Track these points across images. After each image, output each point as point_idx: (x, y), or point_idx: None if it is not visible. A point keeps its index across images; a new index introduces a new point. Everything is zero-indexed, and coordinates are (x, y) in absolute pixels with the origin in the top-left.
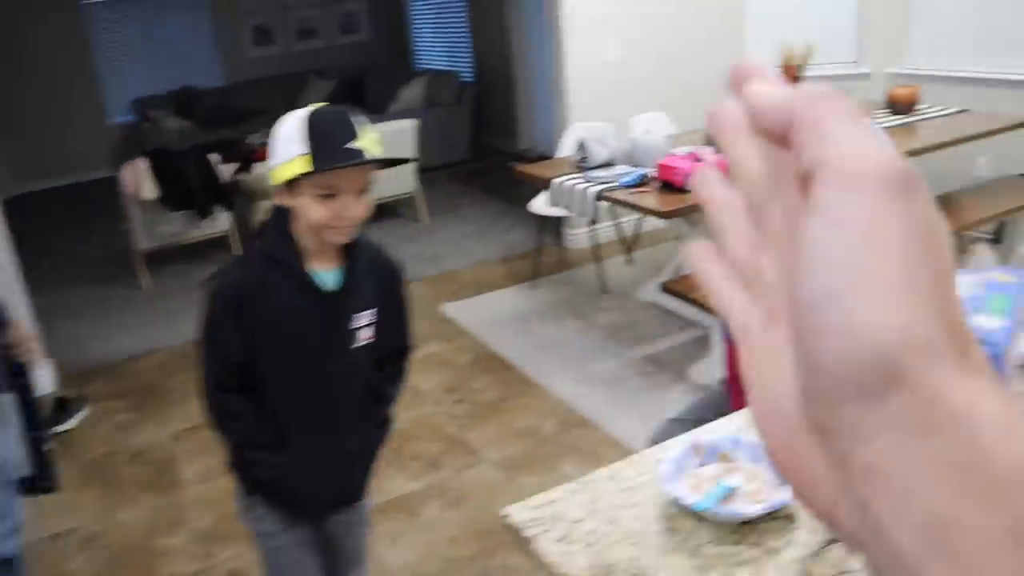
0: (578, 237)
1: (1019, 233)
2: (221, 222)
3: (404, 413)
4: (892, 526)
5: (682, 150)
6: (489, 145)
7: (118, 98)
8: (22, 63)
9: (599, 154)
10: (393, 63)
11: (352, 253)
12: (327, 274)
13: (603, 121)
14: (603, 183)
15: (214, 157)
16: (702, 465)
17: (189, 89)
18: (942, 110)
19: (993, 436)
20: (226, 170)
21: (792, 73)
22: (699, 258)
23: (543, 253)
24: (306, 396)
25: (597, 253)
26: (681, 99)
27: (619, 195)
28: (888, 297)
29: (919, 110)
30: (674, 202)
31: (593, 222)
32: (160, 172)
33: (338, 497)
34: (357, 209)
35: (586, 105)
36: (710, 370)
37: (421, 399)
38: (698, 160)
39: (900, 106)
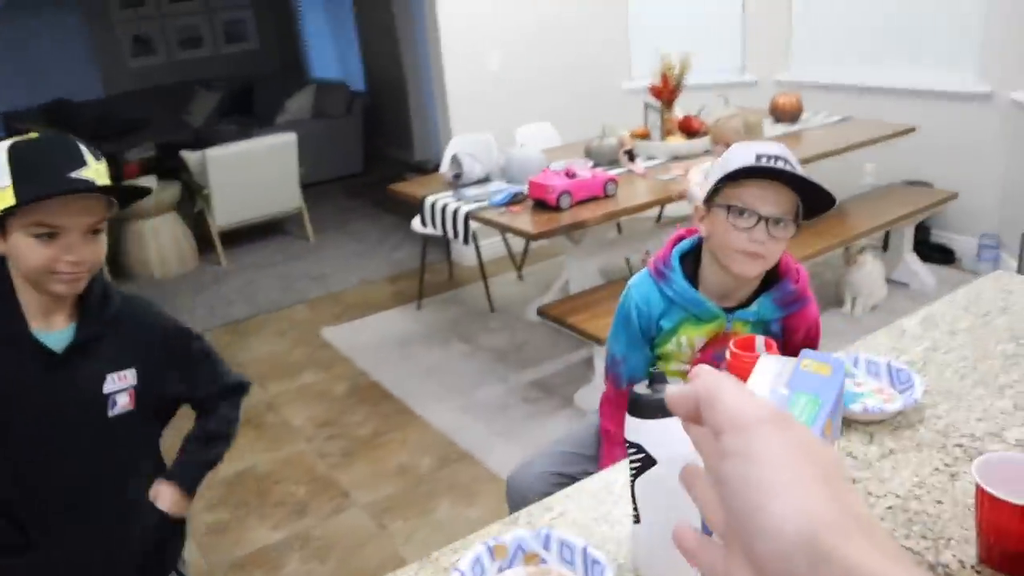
0: (467, 253)
1: (904, 240)
2: None
3: (270, 453)
4: None
5: (557, 165)
6: (385, 156)
7: None
8: None
9: (473, 170)
10: (284, 73)
11: (87, 304)
12: (60, 333)
13: (486, 133)
14: (475, 202)
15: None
16: (502, 571)
17: (64, 102)
18: (826, 117)
19: None
20: None
21: (668, 84)
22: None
23: (429, 272)
24: (47, 482)
25: (483, 271)
26: (567, 108)
27: (489, 215)
28: (791, 495)
29: (802, 118)
30: (546, 222)
31: (466, 243)
32: None
33: None
34: (85, 251)
35: (469, 116)
36: (592, 398)
37: (291, 436)
38: (571, 176)
39: (783, 114)
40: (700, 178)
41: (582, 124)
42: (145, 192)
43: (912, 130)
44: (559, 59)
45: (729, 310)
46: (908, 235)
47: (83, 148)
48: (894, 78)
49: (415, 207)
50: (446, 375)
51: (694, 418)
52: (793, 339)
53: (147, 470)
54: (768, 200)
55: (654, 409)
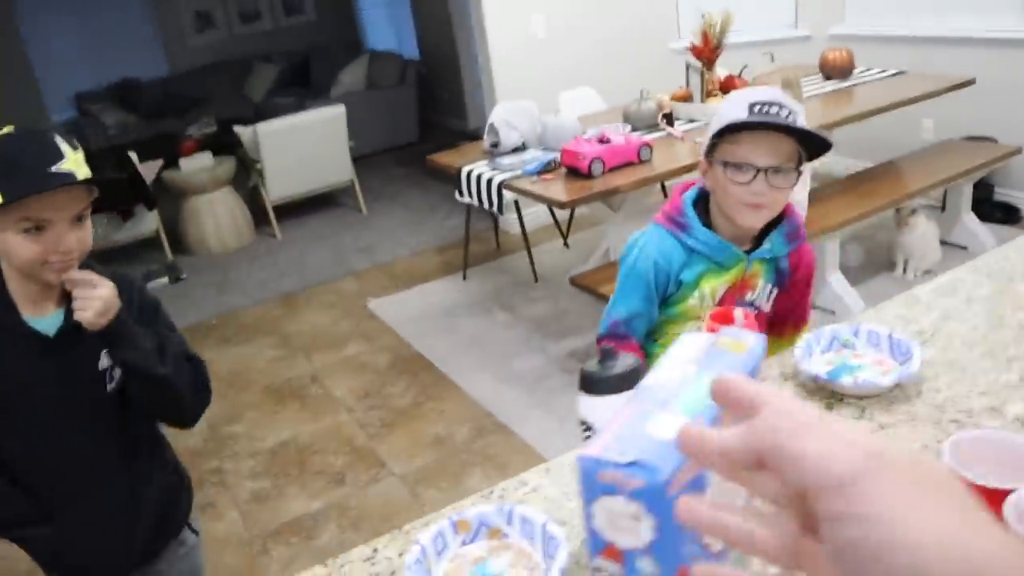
0: (514, 222)
1: (962, 200)
2: (148, 223)
3: (312, 424)
4: None
5: (593, 131)
6: (440, 125)
7: (58, 93)
8: None
9: (510, 138)
10: (341, 44)
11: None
12: (51, 318)
13: (528, 100)
14: (510, 171)
15: (134, 155)
16: (464, 545)
17: (131, 81)
18: (880, 73)
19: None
20: (149, 168)
21: (709, 43)
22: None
23: (476, 241)
24: (61, 460)
25: (527, 240)
26: (613, 72)
27: (523, 184)
28: (931, 547)
29: (855, 74)
30: (578, 190)
31: (500, 212)
32: None
33: (135, 557)
34: (72, 240)
35: (513, 83)
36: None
37: (333, 407)
38: (604, 142)
39: (834, 70)
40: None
41: (628, 87)
42: (141, 188)
43: (971, 82)
44: (604, 21)
45: (746, 252)
46: (966, 194)
47: (58, 140)
48: (954, 27)
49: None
50: (487, 345)
51: (754, 464)
52: (796, 275)
53: (150, 435)
54: (764, 151)
55: (605, 386)
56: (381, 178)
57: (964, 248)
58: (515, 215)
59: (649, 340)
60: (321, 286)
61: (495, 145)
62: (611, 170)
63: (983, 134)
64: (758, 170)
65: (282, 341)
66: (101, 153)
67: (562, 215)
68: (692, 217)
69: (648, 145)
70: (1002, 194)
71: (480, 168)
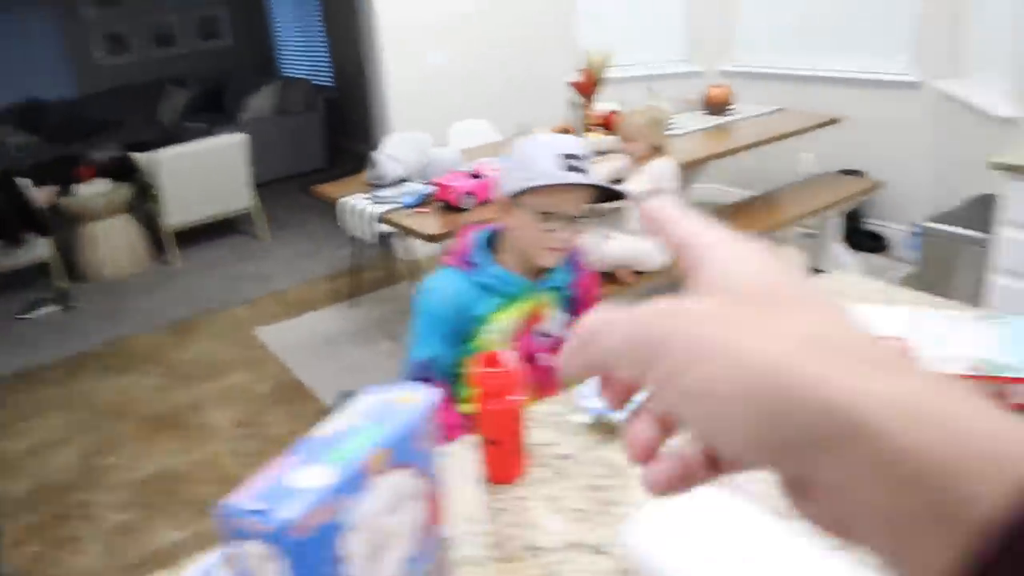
0: (408, 248)
1: (830, 230)
2: (40, 249)
3: (187, 455)
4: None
5: (470, 165)
6: (351, 151)
7: None
8: None
9: (393, 170)
10: (255, 70)
11: None
12: None
13: (425, 131)
14: (388, 203)
15: (23, 181)
16: None
17: (36, 102)
18: (757, 108)
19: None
20: (41, 194)
21: (591, 79)
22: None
23: (371, 269)
24: None
25: (413, 270)
26: (511, 104)
27: (398, 217)
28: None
29: (733, 110)
30: (449, 223)
31: (381, 245)
32: None
33: None
34: None
35: (409, 114)
36: None
37: (209, 437)
38: (477, 176)
39: (715, 106)
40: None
41: (526, 117)
42: (30, 215)
43: (835, 121)
44: (502, 54)
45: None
46: (835, 225)
47: None
48: (834, 67)
49: None
50: (368, 373)
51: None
52: (585, 299)
53: None
54: (574, 202)
55: None
56: (286, 205)
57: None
58: (404, 243)
59: (457, 381)
60: (213, 314)
61: (377, 177)
62: (484, 203)
63: (855, 168)
64: (567, 219)
65: (167, 370)
66: None
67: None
68: (483, 255)
69: None
70: (871, 224)
71: (358, 200)
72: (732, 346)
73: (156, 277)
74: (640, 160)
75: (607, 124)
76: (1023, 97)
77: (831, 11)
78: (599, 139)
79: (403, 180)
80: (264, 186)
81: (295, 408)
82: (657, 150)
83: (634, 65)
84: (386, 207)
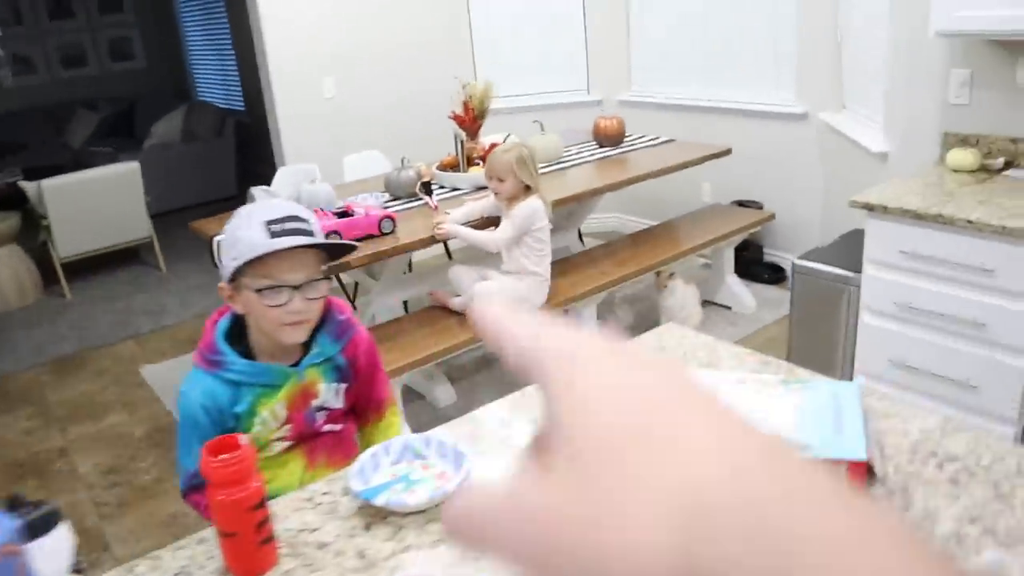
0: None
1: (724, 262)
2: None
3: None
4: None
5: (342, 202)
6: (265, 178)
7: None
8: None
9: None
10: (168, 93)
11: None
12: None
13: (314, 162)
14: None
15: None
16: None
17: None
18: (651, 140)
19: None
20: None
21: (470, 112)
22: None
23: None
24: None
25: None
26: (405, 136)
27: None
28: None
29: (626, 140)
30: None
31: None
32: None
33: None
34: None
35: (302, 144)
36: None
37: (72, 484)
38: (346, 214)
39: (605, 138)
40: (460, 215)
41: (418, 151)
42: None
43: (728, 152)
44: (396, 84)
45: (295, 364)
46: (728, 256)
47: None
48: (727, 98)
49: None
50: None
51: None
52: (357, 366)
53: None
54: (295, 268)
55: (38, 529)
56: (190, 236)
57: (728, 308)
58: None
59: None
60: (98, 350)
61: None
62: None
63: (752, 198)
64: (293, 289)
65: (40, 411)
66: None
67: (347, 280)
68: (225, 352)
69: (390, 218)
70: (770, 255)
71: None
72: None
73: (44, 310)
74: (510, 200)
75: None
76: (892, 133)
77: (723, 43)
78: (479, 173)
79: None
80: (170, 214)
81: (169, 453)
82: (527, 189)
83: (529, 95)
84: None
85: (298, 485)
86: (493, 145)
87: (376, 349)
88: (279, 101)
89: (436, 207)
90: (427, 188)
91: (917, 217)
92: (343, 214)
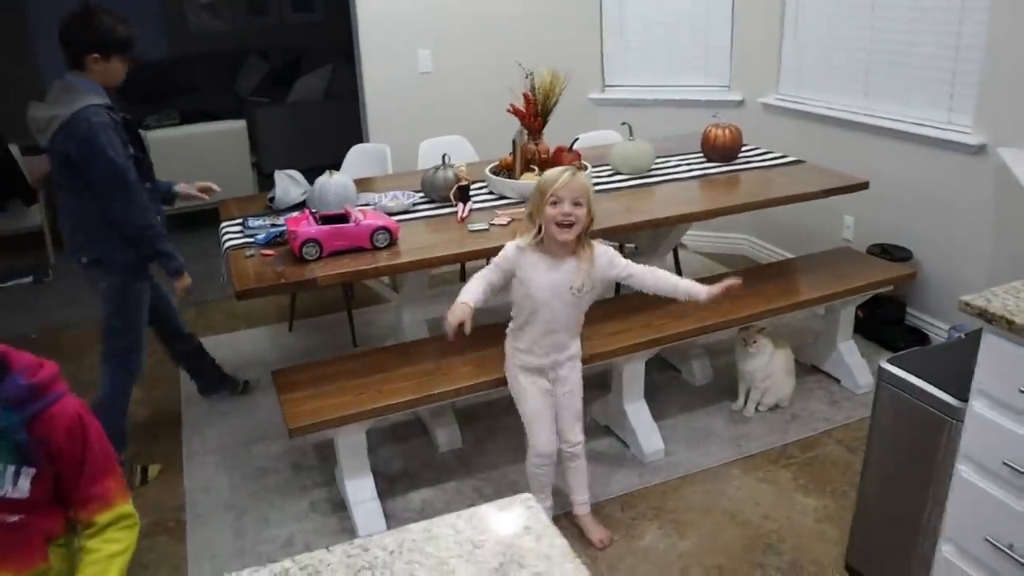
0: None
1: (840, 324)
2: (30, 217)
3: None
4: None
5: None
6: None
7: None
8: None
9: (288, 193)
10: (336, 48)
11: None
12: None
13: (399, 143)
14: (248, 237)
15: (15, 149)
16: None
17: None
18: (773, 159)
19: None
20: (35, 163)
21: (531, 107)
22: None
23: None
24: None
25: (350, 298)
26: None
27: (234, 257)
28: None
29: (744, 155)
30: (268, 276)
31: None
32: None
33: None
34: None
35: (389, 121)
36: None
37: None
38: (338, 219)
39: (714, 150)
40: (477, 294)
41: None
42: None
43: (863, 186)
44: (512, 61)
45: None
46: (847, 316)
47: None
48: (889, 113)
49: None
50: (242, 418)
51: None
52: (51, 448)
53: None
54: None
55: None
56: None
57: (837, 381)
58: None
59: None
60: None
61: (272, 199)
62: (335, 254)
63: (900, 243)
64: None
65: (71, 375)
66: None
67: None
68: None
69: (387, 229)
70: (914, 317)
71: (231, 227)
72: None
73: None
74: (576, 240)
75: (553, 164)
76: None
77: (892, 47)
78: (530, 182)
79: (302, 205)
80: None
81: (155, 446)
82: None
83: (660, 87)
84: (239, 241)
85: None
86: (559, 150)
87: (91, 427)
88: (367, 70)
89: (463, 218)
90: (462, 193)
91: None
92: (337, 218)
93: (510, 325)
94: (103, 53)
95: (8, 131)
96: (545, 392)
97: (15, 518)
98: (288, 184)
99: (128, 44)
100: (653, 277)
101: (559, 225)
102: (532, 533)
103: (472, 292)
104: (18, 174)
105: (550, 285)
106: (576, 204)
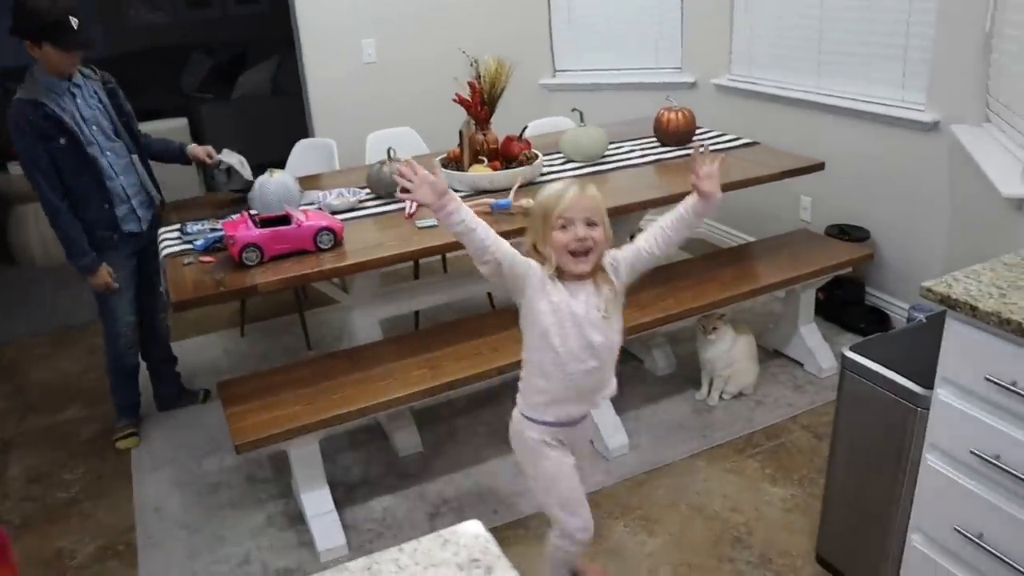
0: None
1: (800, 308)
2: None
3: None
4: None
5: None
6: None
7: None
8: None
9: (223, 184)
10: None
11: None
12: None
13: (337, 136)
14: (186, 243)
15: None
16: None
17: None
18: (727, 141)
19: None
20: None
21: (477, 96)
22: None
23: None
24: None
25: (301, 300)
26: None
27: (171, 265)
28: None
29: (697, 138)
30: (204, 286)
31: (166, 297)
32: None
33: None
34: None
35: (334, 114)
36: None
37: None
38: (277, 221)
39: (668, 135)
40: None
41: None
42: None
43: (818, 167)
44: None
45: None
46: (807, 300)
47: None
48: (843, 92)
49: None
50: (193, 434)
51: None
52: None
53: None
54: None
55: None
56: None
57: (800, 364)
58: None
59: None
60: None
61: (215, 190)
62: (279, 257)
63: (858, 223)
64: None
65: (14, 390)
66: None
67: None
68: None
69: (330, 230)
70: (874, 297)
71: (168, 234)
72: None
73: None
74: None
75: (504, 154)
76: None
77: (846, 24)
78: (481, 174)
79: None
80: None
81: (104, 466)
82: None
83: (612, 70)
84: (177, 248)
85: None
86: (509, 139)
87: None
88: (309, 62)
89: (411, 214)
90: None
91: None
92: (278, 220)
93: (522, 381)
94: (32, 40)
95: None
96: (573, 464)
97: None
98: (237, 165)
99: (57, 30)
100: (661, 232)
101: (574, 254)
102: (481, 567)
103: (471, 214)
104: None
105: (573, 318)
106: (591, 224)
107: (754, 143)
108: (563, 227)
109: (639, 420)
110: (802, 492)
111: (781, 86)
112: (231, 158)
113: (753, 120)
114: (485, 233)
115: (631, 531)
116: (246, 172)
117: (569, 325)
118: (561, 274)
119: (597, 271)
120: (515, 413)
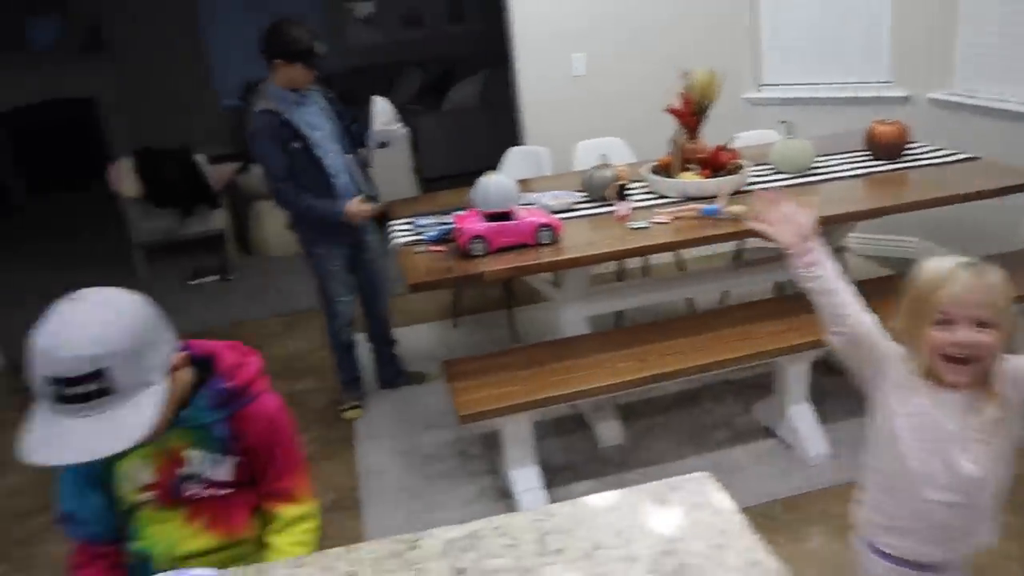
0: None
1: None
2: (215, 220)
3: None
4: None
5: (537, 196)
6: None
7: (231, 80)
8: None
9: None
10: (491, 56)
11: None
12: None
13: (555, 144)
14: (417, 234)
15: (200, 158)
16: None
17: None
18: (943, 156)
19: None
20: (218, 171)
21: (690, 107)
22: None
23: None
24: None
25: (510, 296)
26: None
27: (404, 253)
28: None
29: (910, 153)
30: (438, 271)
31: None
32: (144, 171)
33: None
34: None
35: (544, 124)
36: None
37: None
38: (500, 217)
39: (880, 148)
40: None
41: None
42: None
43: None
44: (662, 63)
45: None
46: None
47: None
48: None
49: None
50: (412, 407)
51: None
52: (247, 443)
53: None
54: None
55: None
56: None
57: None
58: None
59: (107, 530)
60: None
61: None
62: (501, 250)
63: None
64: None
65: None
66: (163, 154)
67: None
68: None
69: (550, 226)
70: None
71: (399, 226)
72: None
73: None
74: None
75: (714, 163)
76: None
77: None
78: (689, 182)
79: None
80: (443, 179)
81: (331, 432)
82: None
83: (814, 84)
84: (408, 238)
85: (178, 547)
86: (718, 148)
87: (286, 427)
88: (523, 75)
89: (623, 216)
90: (621, 192)
91: None
92: (502, 216)
93: (860, 490)
94: (287, 60)
95: (193, 143)
96: None
97: (224, 492)
98: (389, 115)
99: (309, 54)
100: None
101: (948, 360)
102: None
103: (834, 270)
104: (203, 181)
105: (937, 432)
106: (982, 326)
107: (974, 158)
108: (942, 323)
109: (842, 432)
110: (1016, 520)
111: (1008, 100)
112: (382, 106)
113: (975, 138)
114: (847, 298)
115: (830, 537)
116: (395, 130)
117: (930, 440)
118: (931, 373)
119: (983, 382)
120: (852, 539)
